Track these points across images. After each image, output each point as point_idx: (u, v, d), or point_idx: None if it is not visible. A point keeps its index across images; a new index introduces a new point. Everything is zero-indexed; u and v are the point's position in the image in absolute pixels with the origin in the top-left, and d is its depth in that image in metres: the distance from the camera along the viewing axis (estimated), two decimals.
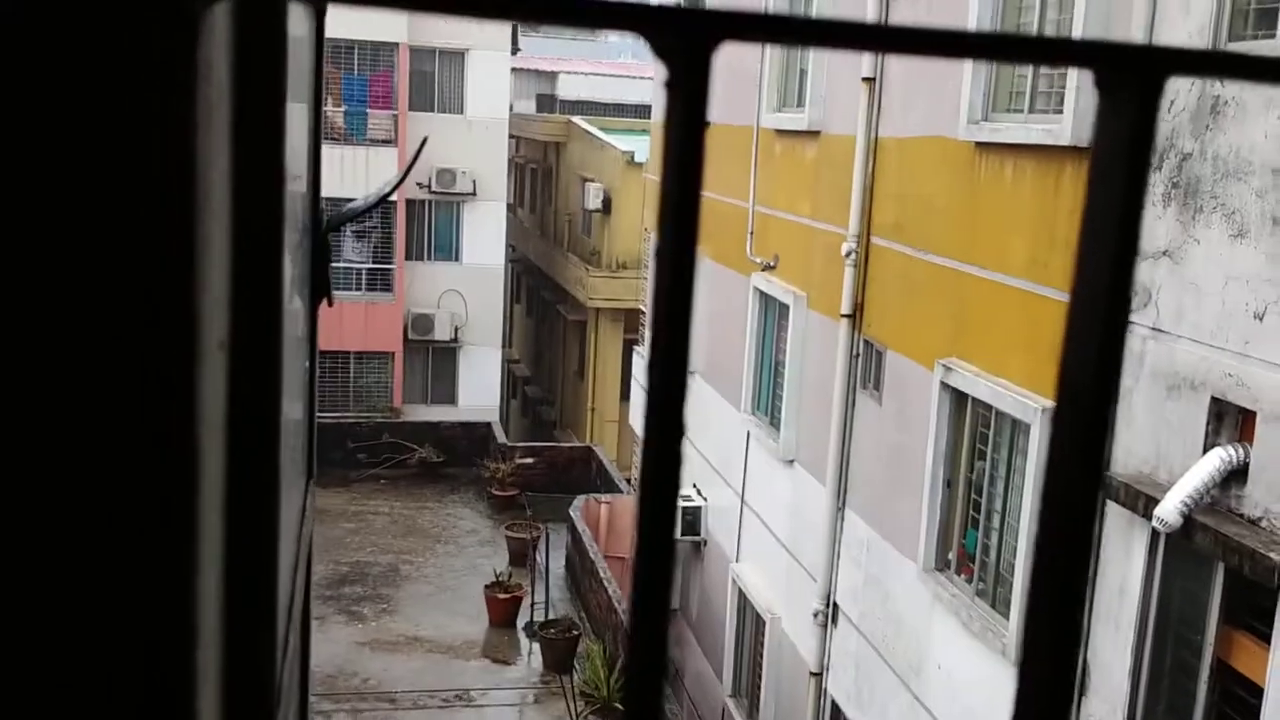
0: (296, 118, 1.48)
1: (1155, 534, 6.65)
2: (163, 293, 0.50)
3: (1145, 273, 6.93)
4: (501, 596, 17.33)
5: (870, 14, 10.29)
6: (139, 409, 0.51)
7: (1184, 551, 6.57)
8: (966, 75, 8.78)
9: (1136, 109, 0.44)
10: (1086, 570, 0.46)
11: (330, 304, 1.99)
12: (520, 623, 17.37)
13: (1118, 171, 0.45)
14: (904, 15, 10.02)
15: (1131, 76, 0.44)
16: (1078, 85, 7.50)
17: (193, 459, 0.54)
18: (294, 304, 1.49)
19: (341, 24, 24.28)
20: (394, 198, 24.84)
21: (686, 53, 0.40)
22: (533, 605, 17.21)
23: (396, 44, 25.37)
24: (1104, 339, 0.45)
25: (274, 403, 0.89)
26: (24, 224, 0.48)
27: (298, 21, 1.34)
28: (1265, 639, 6.06)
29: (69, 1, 0.47)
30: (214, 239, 0.61)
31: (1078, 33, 7.46)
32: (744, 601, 13.32)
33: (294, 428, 1.57)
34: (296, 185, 1.50)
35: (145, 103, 0.48)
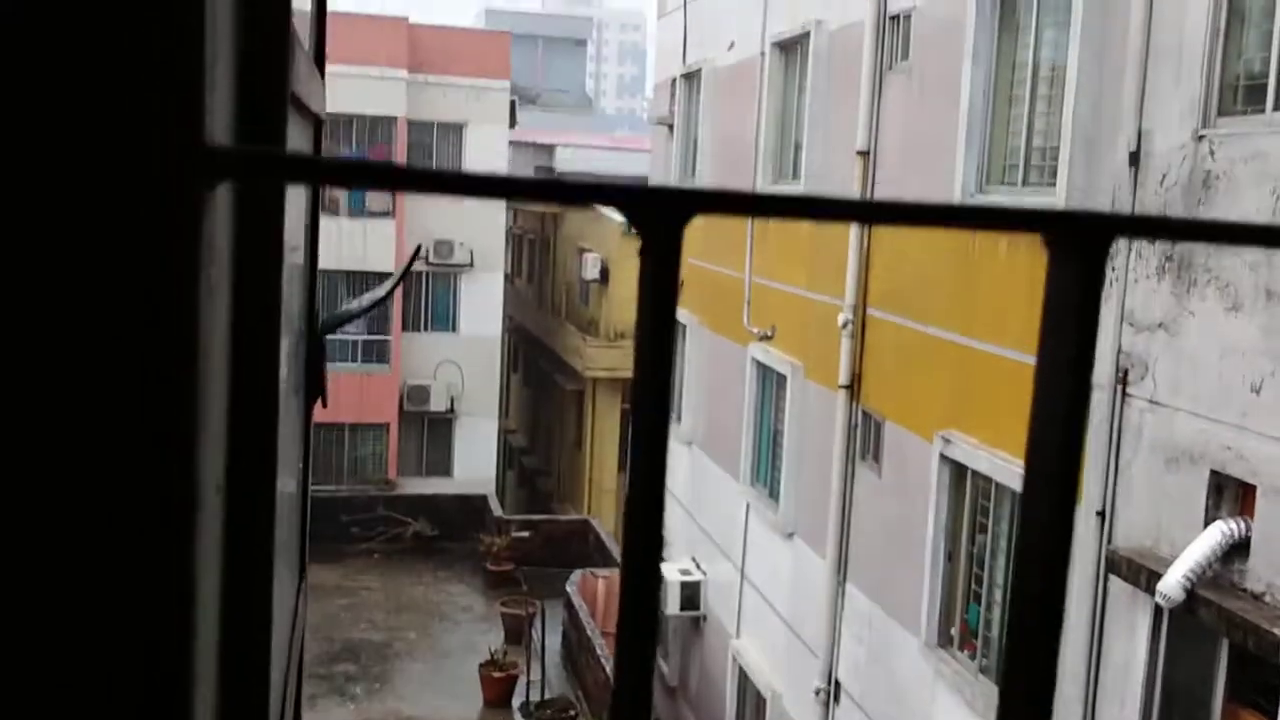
0: (295, 212, 1.48)
1: (1158, 609, 6.57)
2: (164, 459, 0.53)
3: (1141, 345, 6.93)
4: (496, 675, 17.08)
5: (862, 113, 10.41)
6: (136, 559, 0.53)
7: (1188, 627, 6.49)
8: (960, 148, 8.87)
9: (1083, 270, 0.47)
10: (1061, 625, 0.49)
11: (325, 405, 1.98)
12: (516, 702, 17.09)
13: (1068, 328, 0.47)
14: (896, 95, 10.15)
15: (1077, 240, 0.47)
16: (1070, 158, 7.56)
17: (189, 610, 0.55)
18: (288, 407, 1.49)
19: (340, 98, 24.58)
20: (390, 267, 24.95)
21: (660, 226, 0.44)
22: (528, 684, 16.96)
23: (395, 117, 25.66)
24: (1057, 500, 0.47)
25: (267, 541, 0.91)
26: (27, 396, 0.51)
27: (297, 135, 1.36)
28: (1271, 716, 5.97)
29: (74, 192, 0.50)
30: (214, 399, 0.64)
31: (1068, 110, 7.54)
32: (744, 679, 13.13)
33: (286, 528, 1.55)
34: (293, 287, 1.50)
35: (149, 284, 0.51)
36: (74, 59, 0.49)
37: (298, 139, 1.38)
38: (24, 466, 0.51)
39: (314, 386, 1.90)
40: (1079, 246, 0.47)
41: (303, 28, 1.61)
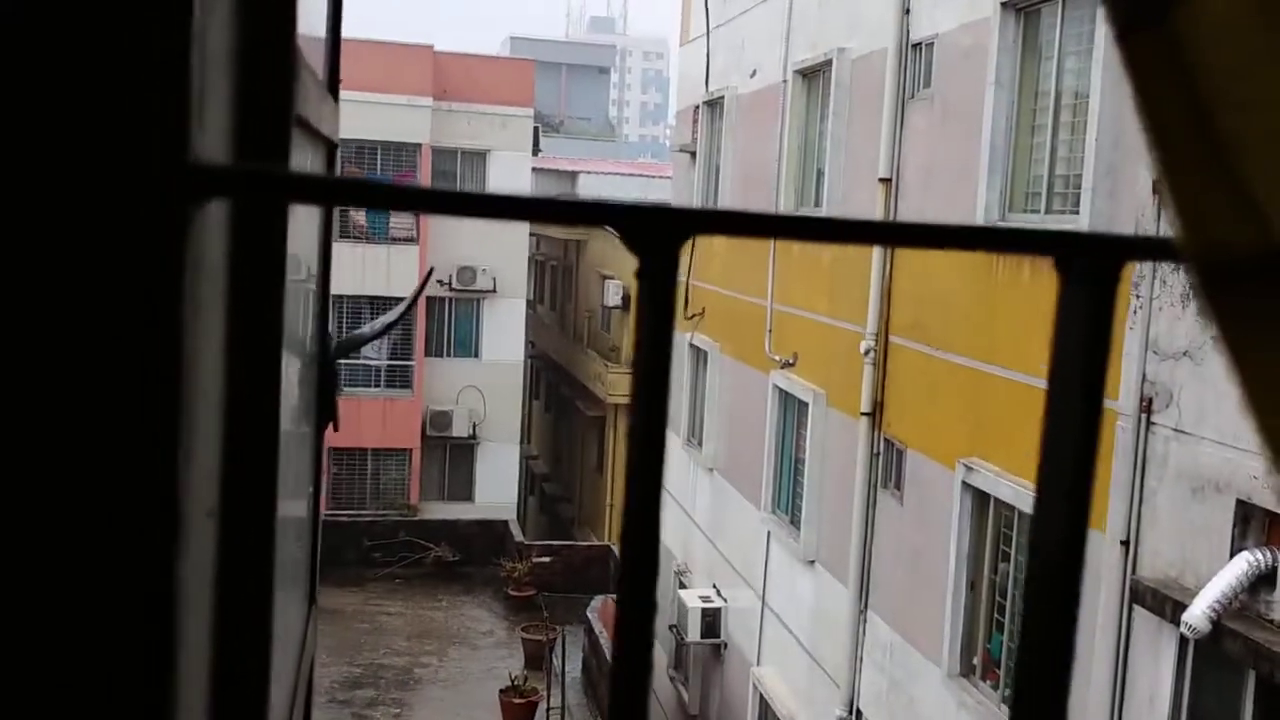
0: (306, 235, 1.49)
1: (1184, 640, 6.50)
2: (145, 476, 0.51)
3: (1166, 373, 6.89)
4: (517, 701, 17.04)
5: (884, 140, 10.43)
6: (112, 582, 0.52)
7: (1214, 658, 6.42)
8: (982, 175, 8.87)
9: (1094, 294, 0.45)
10: (1074, 649, 0.48)
11: (336, 429, 1.99)
12: None
13: (1078, 353, 0.46)
14: (918, 122, 10.16)
15: (1089, 263, 0.45)
16: (1093, 185, 7.55)
17: (169, 634, 0.53)
18: (300, 430, 1.49)
19: (366, 125, 24.78)
20: None
21: (656, 246, 0.43)
22: (549, 710, 16.91)
23: (419, 144, 25.86)
24: (1068, 540, 0.46)
25: (266, 566, 0.89)
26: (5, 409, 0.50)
27: (308, 158, 1.36)
28: None
29: (51, 206, 0.49)
30: (205, 420, 0.63)
31: (1091, 138, 7.53)
32: (765, 707, 13.05)
33: (294, 553, 1.55)
34: (303, 310, 1.50)
35: (128, 300, 0.50)
36: (59, 75, 0.49)
37: (308, 162, 1.38)
38: None
39: (325, 411, 1.90)
40: (1090, 270, 0.45)
41: (316, 52, 1.62)
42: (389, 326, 3.32)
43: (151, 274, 0.50)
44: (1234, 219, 0.39)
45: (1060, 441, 0.46)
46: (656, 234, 0.43)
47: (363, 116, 24.42)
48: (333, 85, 1.91)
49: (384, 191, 0.44)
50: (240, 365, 0.71)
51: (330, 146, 1.73)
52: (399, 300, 24.68)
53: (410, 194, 0.44)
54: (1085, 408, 0.46)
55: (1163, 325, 6.95)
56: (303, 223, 1.40)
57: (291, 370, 1.20)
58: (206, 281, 0.61)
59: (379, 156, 25.81)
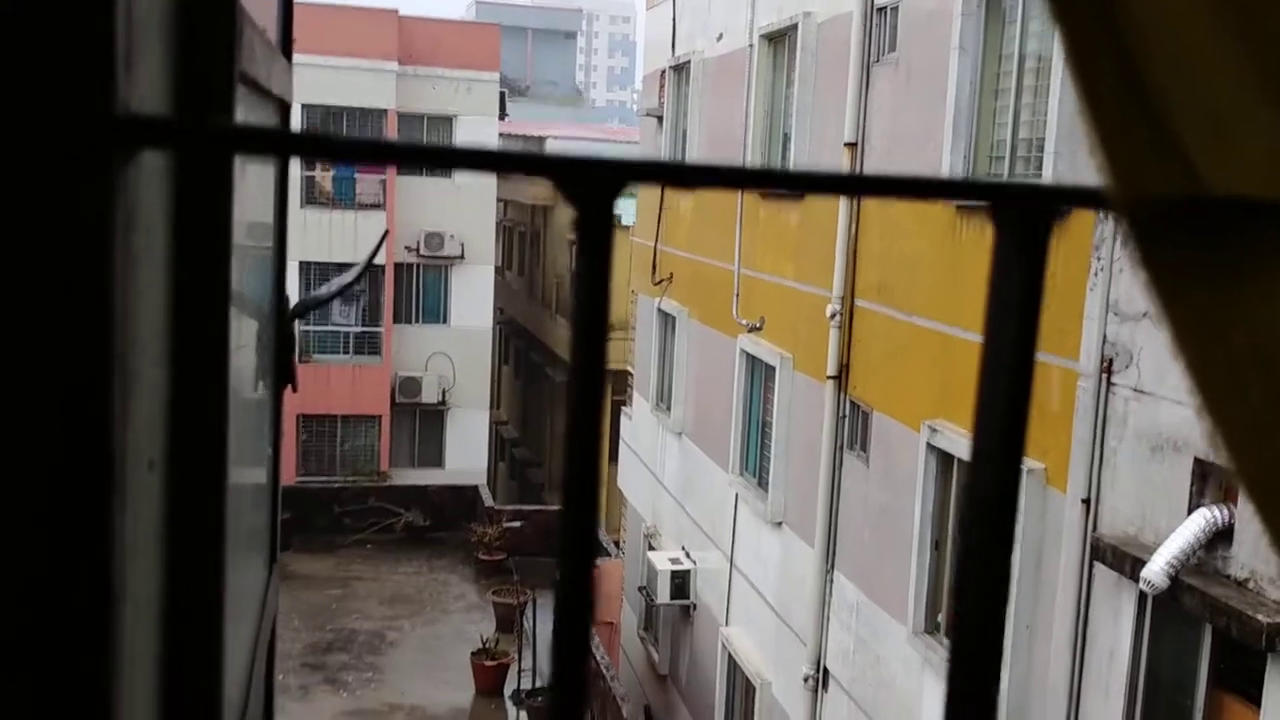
0: (260, 197, 1.49)
1: (1143, 596, 6.62)
2: (77, 424, 0.51)
3: (1126, 334, 6.98)
4: (488, 664, 17.13)
5: (850, 105, 10.43)
6: (40, 533, 0.51)
7: (1172, 614, 6.55)
8: (947, 138, 8.90)
9: (1026, 241, 0.46)
10: (1007, 592, 0.48)
11: (294, 390, 1.98)
12: (507, 690, 17.15)
13: (1012, 301, 0.46)
14: (884, 87, 10.17)
15: (1020, 211, 0.46)
16: (1055, 149, 7.60)
17: (108, 578, 0.53)
18: (257, 393, 1.49)
19: (331, 90, 24.50)
20: (381, 260, 24.94)
21: (592, 197, 0.42)
22: (520, 672, 17.01)
23: (385, 110, 25.61)
24: (1002, 479, 0.46)
25: (217, 520, 0.89)
26: None
27: (256, 116, 1.36)
28: (1255, 702, 6.02)
29: None
30: (141, 370, 0.63)
31: (1054, 101, 7.58)
32: (734, 666, 13.19)
33: (252, 514, 1.55)
34: (259, 272, 1.50)
35: (54, 250, 0.49)
36: None
37: (257, 120, 1.37)
38: None
39: (283, 372, 1.89)
40: (1021, 218, 0.46)
41: (268, 13, 1.61)
42: (345, 287, 3.32)
43: (76, 224, 0.49)
44: (1162, 167, 0.39)
45: (995, 388, 0.47)
46: (592, 184, 0.42)
47: (328, 82, 24.14)
48: (285, 46, 1.89)
49: (315, 143, 0.44)
50: (186, 317, 0.71)
51: (283, 106, 1.72)
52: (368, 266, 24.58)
53: (343, 145, 0.44)
54: (1018, 353, 0.47)
55: (1122, 287, 7.03)
56: (257, 185, 1.40)
57: (245, 330, 1.19)
58: (144, 233, 0.60)
59: (344, 122, 25.55)
